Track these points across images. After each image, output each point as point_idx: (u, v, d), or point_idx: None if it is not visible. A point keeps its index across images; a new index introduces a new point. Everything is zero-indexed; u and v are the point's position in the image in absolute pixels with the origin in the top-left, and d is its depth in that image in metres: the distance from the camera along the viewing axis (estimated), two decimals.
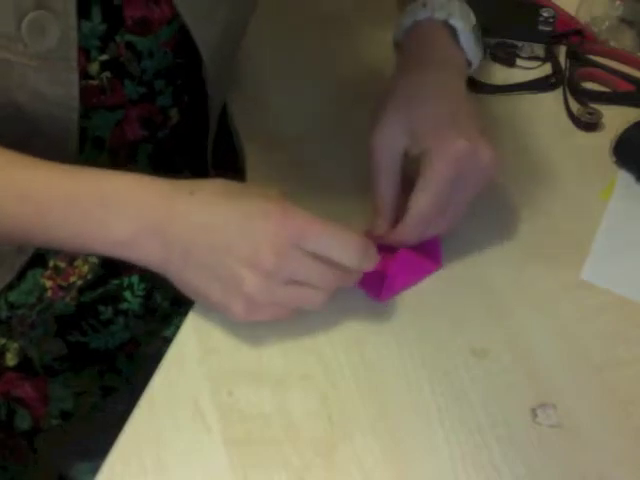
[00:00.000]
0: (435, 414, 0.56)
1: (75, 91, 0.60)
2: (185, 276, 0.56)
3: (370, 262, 0.57)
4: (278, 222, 0.54)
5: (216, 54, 0.68)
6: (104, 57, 0.62)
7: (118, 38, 0.62)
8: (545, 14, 0.87)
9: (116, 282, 0.74)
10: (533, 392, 0.58)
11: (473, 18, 0.69)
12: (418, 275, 0.64)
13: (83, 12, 0.58)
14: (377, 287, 0.62)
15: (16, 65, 0.57)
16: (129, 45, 0.63)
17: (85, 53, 0.60)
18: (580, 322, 0.63)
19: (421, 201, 0.60)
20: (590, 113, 0.79)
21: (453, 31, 0.68)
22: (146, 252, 0.56)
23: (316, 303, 0.57)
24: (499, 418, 0.57)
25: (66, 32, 0.57)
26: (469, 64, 0.70)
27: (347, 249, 0.56)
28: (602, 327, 0.62)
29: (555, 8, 0.89)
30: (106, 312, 0.74)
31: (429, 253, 0.65)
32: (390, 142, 0.63)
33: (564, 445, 0.55)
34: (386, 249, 0.63)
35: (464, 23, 0.68)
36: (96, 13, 0.59)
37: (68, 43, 0.58)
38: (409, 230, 0.62)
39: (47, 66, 0.58)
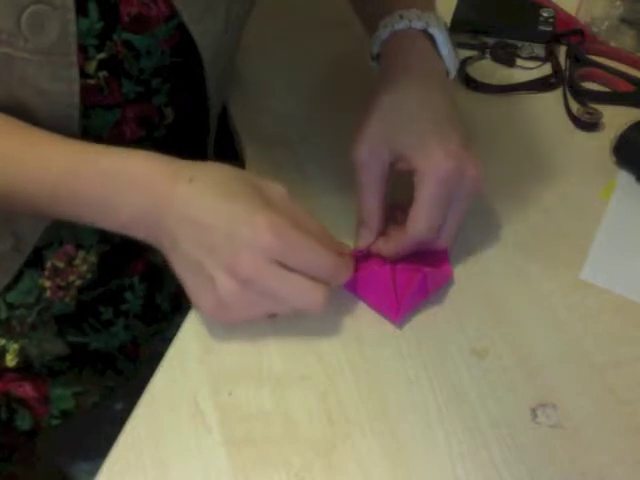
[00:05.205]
0: (435, 414, 0.56)
1: (76, 87, 0.60)
2: (172, 259, 0.57)
3: (341, 278, 0.59)
4: (262, 234, 0.54)
5: (215, 53, 0.68)
6: (102, 55, 0.62)
7: (115, 36, 0.62)
8: (545, 14, 0.87)
9: (117, 282, 0.74)
10: (533, 392, 0.58)
11: (446, 30, 0.69)
12: (429, 290, 0.63)
13: (80, 8, 0.58)
14: (390, 307, 0.62)
15: (17, 61, 0.57)
16: (126, 43, 0.63)
17: (83, 51, 0.60)
18: (580, 322, 0.63)
19: (417, 224, 0.60)
20: (590, 113, 0.79)
21: (431, 40, 0.68)
22: (144, 234, 0.57)
23: (286, 311, 0.58)
24: (499, 418, 0.57)
25: (65, 27, 0.57)
26: (447, 74, 0.69)
27: (322, 267, 0.57)
28: (602, 327, 0.62)
29: (555, 8, 0.89)
30: (107, 312, 0.74)
31: (438, 267, 0.64)
32: (373, 158, 0.63)
33: (564, 445, 0.55)
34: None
35: (441, 33, 0.67)
36: (93, 10, 0.59)
37: (67, 38, 0.58)
38: (405, 248, 0.62)
39: (47, 61, 0.58)
